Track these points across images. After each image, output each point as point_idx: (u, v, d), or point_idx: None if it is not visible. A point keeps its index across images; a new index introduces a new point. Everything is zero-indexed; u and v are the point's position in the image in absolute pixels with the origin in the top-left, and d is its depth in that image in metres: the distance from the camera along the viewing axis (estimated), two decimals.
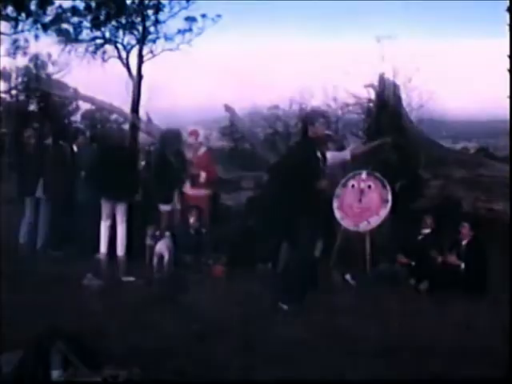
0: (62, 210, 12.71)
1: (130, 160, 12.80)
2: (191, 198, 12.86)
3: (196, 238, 12.19)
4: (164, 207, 12.70)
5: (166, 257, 11.27)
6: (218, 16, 32.76)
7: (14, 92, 38.07)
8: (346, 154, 11.15)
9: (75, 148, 13.24)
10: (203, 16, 32.02)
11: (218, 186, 13.96)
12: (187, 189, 12.88)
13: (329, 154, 10.96)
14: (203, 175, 12.75)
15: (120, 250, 12.24)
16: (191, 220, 12.28)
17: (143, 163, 13.99)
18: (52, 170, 12.53)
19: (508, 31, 13.50)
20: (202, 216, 12.47)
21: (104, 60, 32.62)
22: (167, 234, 11.71)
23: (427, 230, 11.19)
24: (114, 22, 30.50)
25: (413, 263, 10.85)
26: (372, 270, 11.19)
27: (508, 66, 14.48)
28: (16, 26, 30.17)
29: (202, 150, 13.14)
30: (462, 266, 10.40)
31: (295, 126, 25.68)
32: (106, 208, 12.28)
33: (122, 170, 12.11)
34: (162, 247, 11.31)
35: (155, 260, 11.30)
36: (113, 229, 12.29)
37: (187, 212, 12.52)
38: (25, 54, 34.56)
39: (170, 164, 12.75)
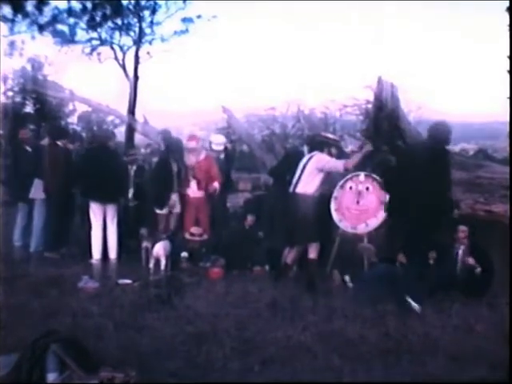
0: (58, 212, 12.68)
1: (116, 161, 12.77)
2: (193, 200, 12.86)
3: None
4: (160, 210, 12.69)
5: (163, 259, 11.25)
6: (214, 17, 32.82)
7: (10, 93, 38.09)
8: (340, 165, 11.17)
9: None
10: (199, 17, 32.07)
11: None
12: (190, 191, 12.87)
13: (324, 158, 11.01)
14: (204, 180, 12.84)
15: (112, 252, 12.25)
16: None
17: (134, 167, 13.89)
18: (49, 170, 12.54)
19: (508, 32, 13.46)
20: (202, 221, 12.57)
21: (100, 61, 32.66)
22: (164, 236, 11.73)
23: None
24: (110, 23, 30.54)
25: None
26: (370, 271, 11.19)
27: (508, 67, 14.46)
28: (12, 28, 30.20)
29: (203, 154, 13.12)
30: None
31: (292, 127, 25.70)
32: (95, 210, 12.29)
33: (108, 172, 12.12)
34: (159, 250, 11.29)
35: (152, 262, 11.29)
36: (105, 231, 12.30)
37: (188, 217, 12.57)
38: (21, 55, 34.61)
39: (171, 169, 12.76)
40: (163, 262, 11.23)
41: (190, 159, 12.91)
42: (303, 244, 10.98)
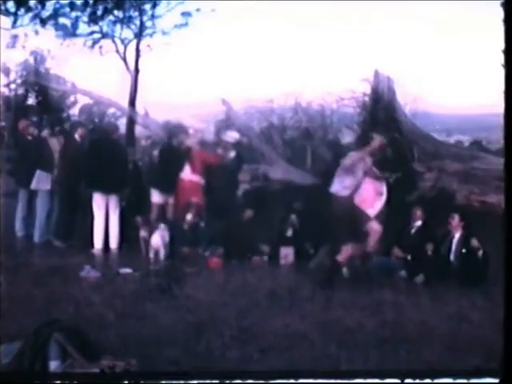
0: (66, 202, 12.81)
1: (119, 153, 12.90)
2: (187, 183, 13.03)
3: (192, 229, 12.32)
4: (157, 199, 12.82)
5: (162, 249, 11.33)
6: (213, 11, 32.70)
7: (12, 86, 38.02)
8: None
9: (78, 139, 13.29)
10: (198, 10, 31.95)
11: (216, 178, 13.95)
12: (184, 174, 13.03)
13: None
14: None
15: (113, 242, 12.35)
16: (188, 215, 12.38)
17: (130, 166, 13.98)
18: (57, 162, 12.66)
19: (502, 26, 13.51)
20: (198, 207, 12.62)
21: (102, 54, 32.55)
22: (162, 225, 11.80)
23: (418, 223, 11.30)
24: (111, 17, 30.44)
25: (408, 257, 10.94)
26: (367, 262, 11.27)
27: (502, 61, 14.52)
28: (15, 21, 30.12)
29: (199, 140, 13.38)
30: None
31: (290, 119, 25.69)
32: (98, 201, 12.37)
33: (111, 163, 12.24)
34: (157, 240, 11.38)
35: (151, 252, 11.37)
36: (107, 221, 12.39)
37: (183, 204, 12.64)
38: (24, 48, 34.50)
39: (175, 154, 13.03)
40: (162, 252, 11.33)
41: (190, 142, 13.19)
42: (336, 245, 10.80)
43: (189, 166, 12.96)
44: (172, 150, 13.07)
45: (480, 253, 10.30)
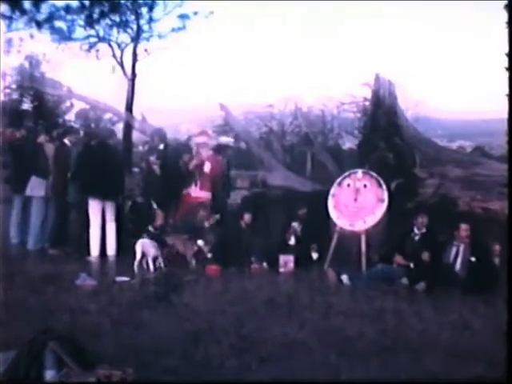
0: (62, 209, 12.70)
1: (116, 159, 12.81)
2: (194, 199, 12.91)
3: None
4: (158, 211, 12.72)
5: (139, 255, 11.25)
6: (211, 13, 32.77)
7: (7, 91, 38.02)
8: None
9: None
10: (195, 14, 32.01)
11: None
12: (192, 191, 12.90)
13: None
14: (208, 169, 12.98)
15: (110, 249, 12.24)
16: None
17: (137, 169, 13.98)
18: (54, 168, 12.56)
19: (505, 29, 13.49)
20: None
21: (98, 58, 32.57)
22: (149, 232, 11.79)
23: (422, 230, 11.19)
24: (107, 20, 30.47)
25: (411, 265, 10.84)
26: (367, 269, 11.18)
27: (505, 65, 14.49)
28: (10, 25, 30.11)
29: (210, 152, 13.26)
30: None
31: (290, 124, 25.74)
32: (94, 207, 12.25)
33: (108, 169, 12.15)
34: (138, 246, 11.32)
35: (137, 261, 11.29)
36: (103, 229, 12.27)
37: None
38: (19, 52, 34.49)
39: (180, 173, 13.01)
40: (138, 258, 11.25)
41: (200, 154, 13.00)
42: None
43: (198, 182, 12.96)
44: (177, 168, 13.03)
45: (489, 261, 10.25)
